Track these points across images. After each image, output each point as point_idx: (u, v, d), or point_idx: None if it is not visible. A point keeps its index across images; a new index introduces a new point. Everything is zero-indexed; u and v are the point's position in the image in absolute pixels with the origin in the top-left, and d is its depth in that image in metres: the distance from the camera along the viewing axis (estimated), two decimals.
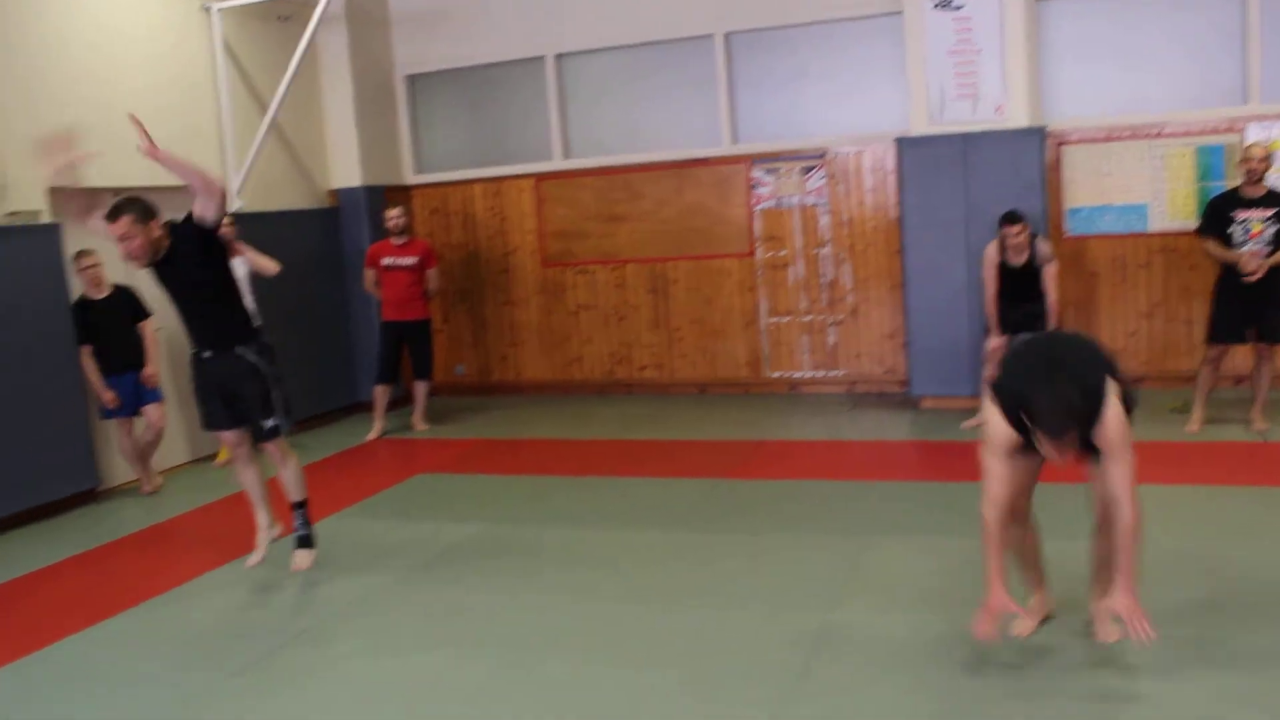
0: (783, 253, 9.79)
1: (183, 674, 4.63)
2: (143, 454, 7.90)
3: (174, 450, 8.53)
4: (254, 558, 5.67)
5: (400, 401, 9.71)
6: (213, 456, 8.76)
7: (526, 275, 10.52)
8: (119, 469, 8.08)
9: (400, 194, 10.56)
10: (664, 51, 9.97)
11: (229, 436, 5.55)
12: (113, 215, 5.08)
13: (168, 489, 7.95)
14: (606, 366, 10.40)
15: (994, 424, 3.89)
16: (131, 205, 5.11)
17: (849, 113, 9.55)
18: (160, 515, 7.22)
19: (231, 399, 5.44)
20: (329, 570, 5.76)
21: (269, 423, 5.43)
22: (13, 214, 7.23)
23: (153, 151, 4.90)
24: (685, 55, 9.93)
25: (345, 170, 10.27)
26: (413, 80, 10.78)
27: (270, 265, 8.53)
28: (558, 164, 10.33)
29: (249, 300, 8.44)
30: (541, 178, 10.36)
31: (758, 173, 9.75)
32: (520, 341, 10.66)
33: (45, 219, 7.48)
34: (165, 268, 5.26)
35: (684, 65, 9.96)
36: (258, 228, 8.88)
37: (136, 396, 7.73)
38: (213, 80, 9.01)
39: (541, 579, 5.47)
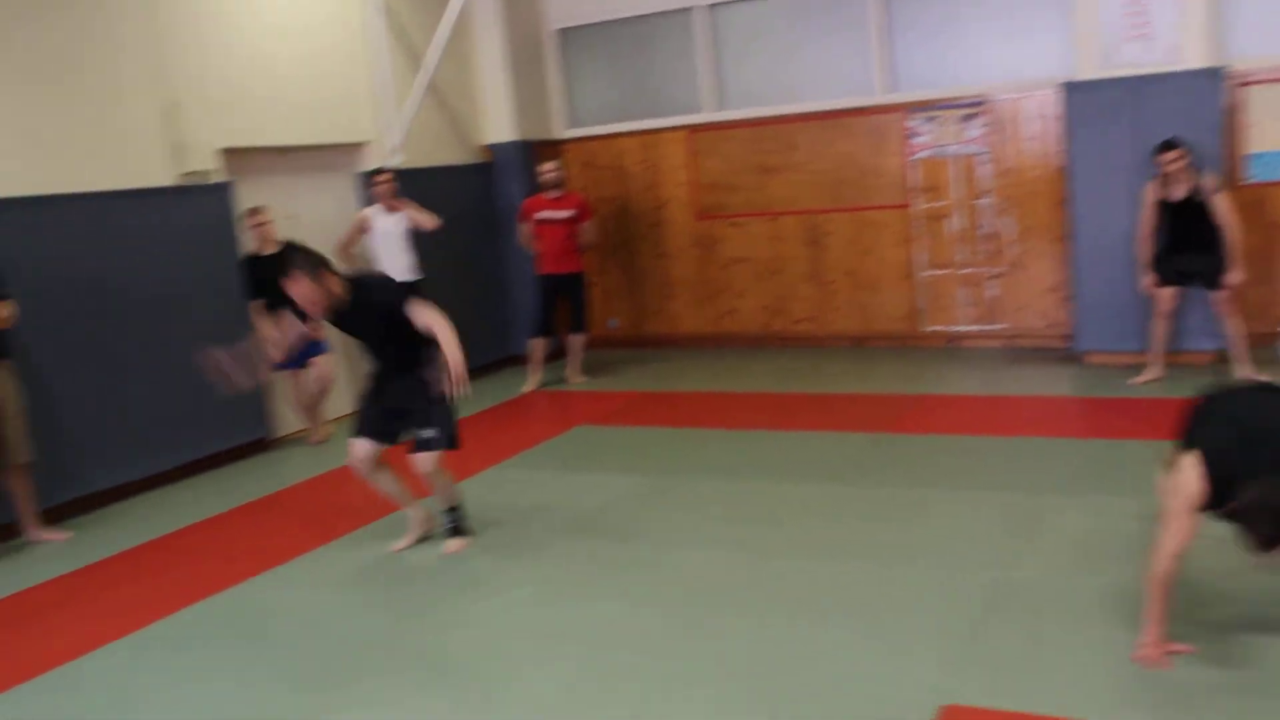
0: (940, 204, 9.55)
1: (356, 618, 4.79)
2: (310, 404, 8.16)
3: (340, 400, 8.77)
4: (399, 544, 5.69)
5: (555, 355, 9.81)
6: None
7: (679, 228, 10.50)
8: (288, 419, 8.36)
9: (552, 149, 10.62)
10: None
11: (362, 446, 5.43)
12: (285, 274, 5.08)
13: (334, 438, 8.19)
14: (761, 319, 10.33)
15: (1191, 482, 3.59)
16: (299, 262, 5.09)
17: (1009, 57, 9.21)
18: (326, 465, 7.44)
19: (394, 413, 5.40)
20: (493, 519, 5.87)
21: (427, 433, 5.31)
22: (188, 174, 7.49)
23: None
24: (838, 1, 9.71)
25: (499, 125, 10.36)
26: (564, 34, 10.79)
27: (429, 220, 8.68)
28: (710, 115, 10.25)
29: (407, 256, 8.62)
30: (693, 130, 10.29)
31: (914, 121, 9.50)
32: (673, 294, 10.66)
33: (220, 177, 7.73)
34: (345, 318, 5.31)
35: (837, 11, 9.73)
36: (415, 183, 9.04)
37: (304, 349, 7.97)
38: (370, 38, 9.16)
39: (705, 532, 5.48)
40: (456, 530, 5.62)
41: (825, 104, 9.79)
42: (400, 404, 5.38)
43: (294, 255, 5.13)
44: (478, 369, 9.90)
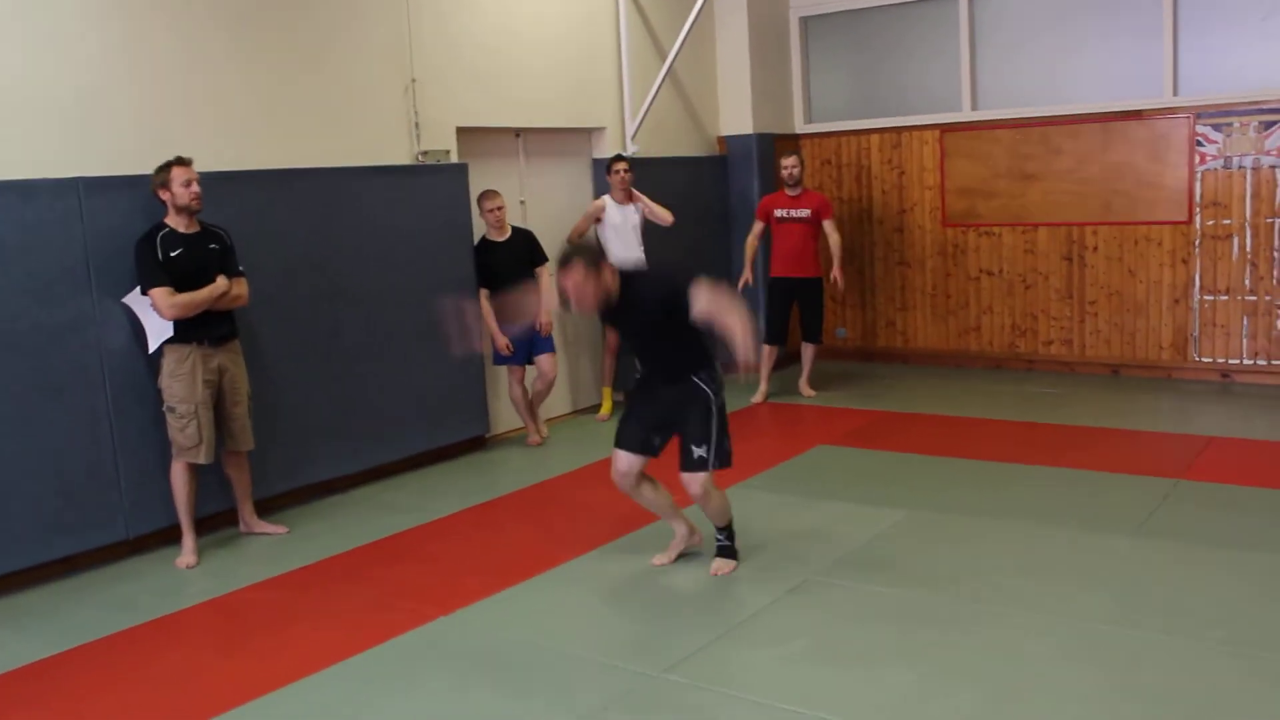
0: (1226, 221, 8.52)
1: (614, 654, 4.21)
2: (532, 404, 7.69)
3: (556, 400, 8.30)
4: (660, 557, 5.19)
5: (779, 363, 9.13)
6: (595, 408, 8.49)
7: (924, 235, 9.70)
8: (504, 416, 7.91)
9: (789, 143, 9.94)
10: None
11: (626, 460, 4.91)
12: (563, 264, 4.63)
13: (552, 441, 7.71)
14: (1007, 339, 9.45)
15: None
16: (581, 253, 4.66)
17: None
18: (548, 471, 6.94)
19: (662, 424, 4.88)
20: (754, 543, 5.25)
21: (698, 451, 4.78)
22: (425, 153, 7.08)
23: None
24: None
25: (735, 117, 9.74)
26: (807, 23, 10.11)
27: (666, 215, 8.13)
28: (965, 115, 9.42)
29: (638, 250, 8.09)
30: (946, 129, 9.48)
31: (1204, 128, 8.50)
32: (911, 306, 9.87)
33: (455, 158, 7.31)
34: (615, 314, 4.82)
35: (1116, 4, 8.80)
36: (648, 173, 8.48)
37: (530, 345, 7.51)
38: (614, 24, 8.64)
39: (999, 585, 4.71)
40: (726, 551, 5.06)
41: (1099, 106, 8.86)
42: (669, 416, 4.83)
43: (574, 248, 4.72)
44: None
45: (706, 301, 4.48)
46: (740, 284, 8.44)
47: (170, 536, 5.78)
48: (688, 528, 5.17)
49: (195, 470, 5.65)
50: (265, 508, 6.19)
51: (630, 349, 4.99)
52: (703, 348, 4.78)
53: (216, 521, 6.05)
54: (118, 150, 5.64)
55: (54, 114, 5.43)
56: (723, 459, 4.83)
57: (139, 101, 5.75)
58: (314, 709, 3.96)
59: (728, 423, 4.87)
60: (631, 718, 3.75)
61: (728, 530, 5.06)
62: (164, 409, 5.58)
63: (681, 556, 5.18)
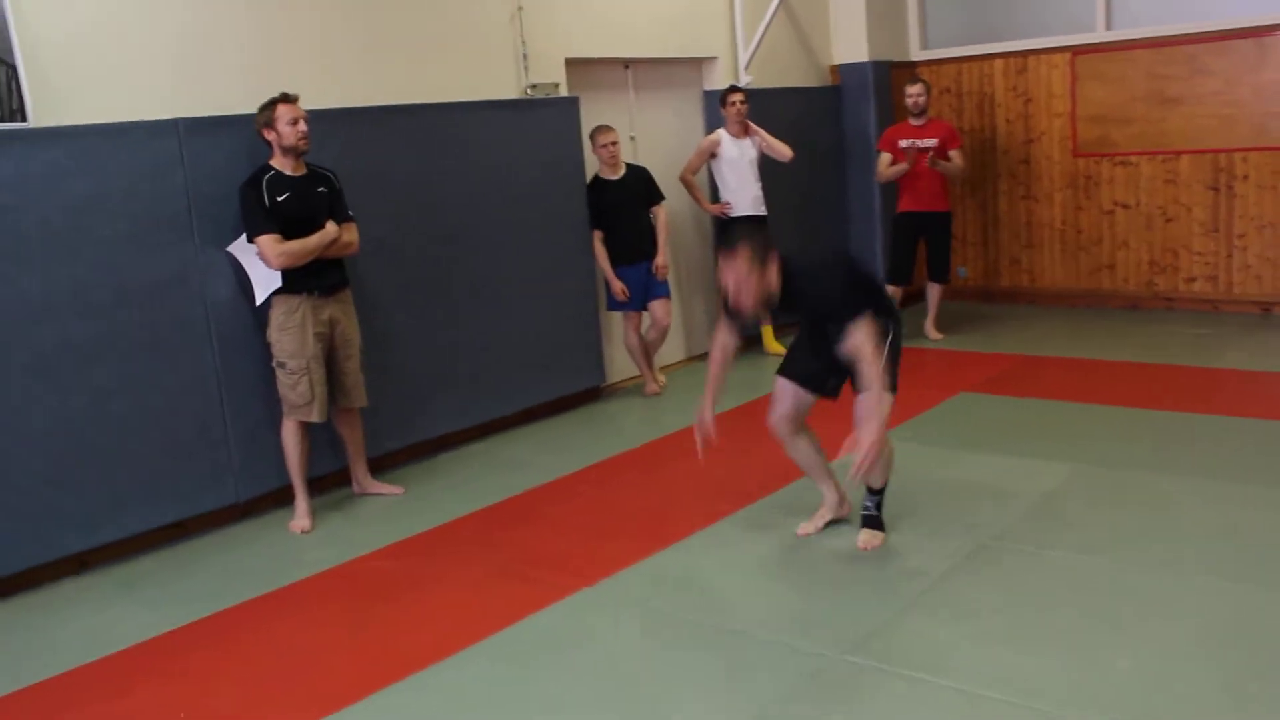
0: None
1: (785, 644, 3.79)
2: (648, 352, 7.27)
3: (671, 347, 7.87)
4: (806, 526, 4.71)
5: (901, 302, 8.59)
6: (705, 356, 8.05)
7: (1052, 166, 9.07)
8: (619, 365, 7.51)
9: (908, 71, 9.33)
10: None
11: (794, 396, 4.41)
12: (728, 252, 4.10)
13: (670, 390, 7.29)
14: (1145, 276, 8.82)
15: None
16: (749, 244, 4.10)
17: None
18: (668, 424, 6.50)
19: (830, 368, 4.35)
20: (911, 505, 4.79)
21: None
22: (533, 86, 6.63)
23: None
24: None
25: (849, 44, 9.14)
26: None
27: (785, 150, 7.62)
28: (1099, 35, 8.73)
29: (756, 186, 7.60)
30: (1078, 51, 8.80)
31: None
32: (1038, 243, 9.26)
33: (564, 91, 6.85)
34: (773, 308, 4.30)
35: None
36: (761, 105, 7.92)
37: (645, 290, 7.08)
38: None
39: (1202, 550, 4.21)
40: (873, 521, 4.55)
41: (1250, 20, 8.13)
42: (836, 361, 4.29)
43: (743, 235, 4.16)
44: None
45: (858, 352, 4.03)
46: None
47: (282, 499, 5.46)
48: (839, 495, 4.70)
49: (307, 429, 5.31)
50: (376, 465, 5.85)
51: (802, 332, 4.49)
52: (868, 300, 4.21)
53: (327, 482, 5.73)
54: (221, 88, 5.27)
55: (154, 53, 5.07)
56: (893, 386, 4.29)
57: (240, 39, 5.36)
58: (467, 692, 3.59)
59: (900, 356, 4.35)
60: (822, 710, 3.33)
61: (880, 495, 4.56)
62: (273, 364, 5.23)
63: (829, 525, 4.73)
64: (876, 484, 4.53)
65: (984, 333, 8.35)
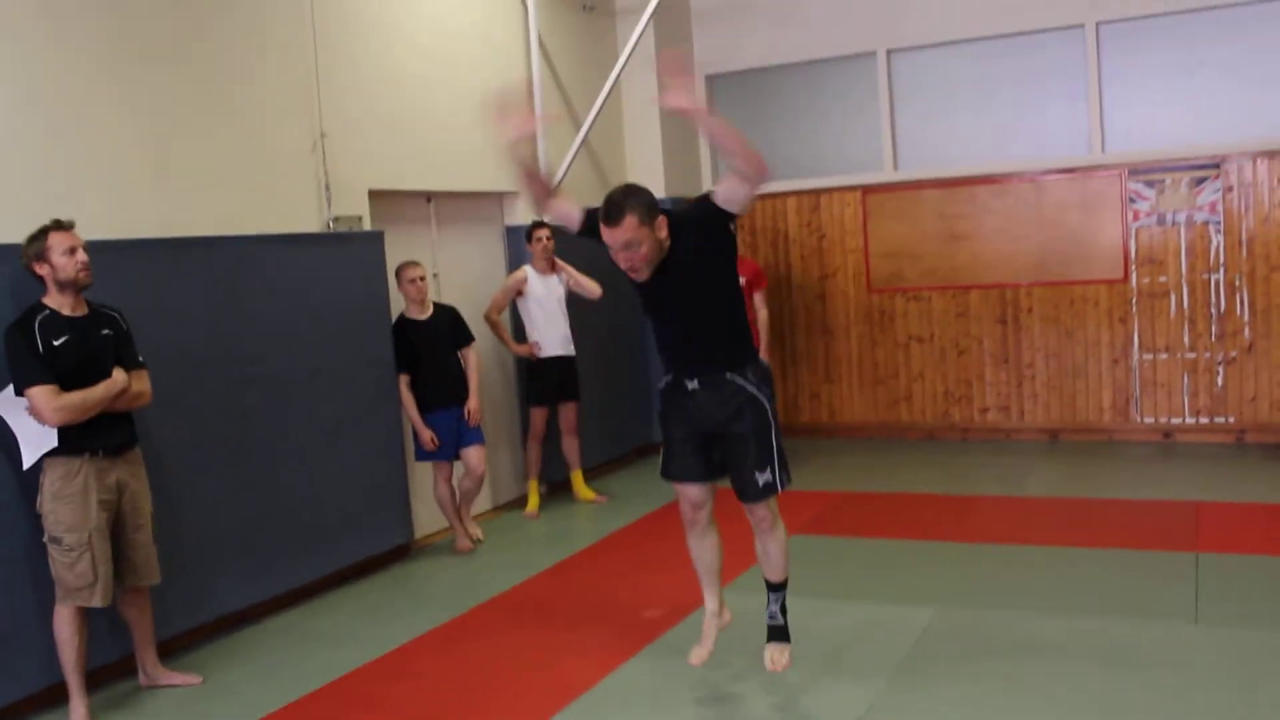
0: (1163, 279, 8.24)
1: None
2: (460, 504, 6.72)
3: (488, 497, 7.36)
4: (699, 653, 4.29)
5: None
6: (521, 503, 7.54)
7: (847, 301, 9.14)
8: (427, 519, 6.90)
9: None
10: (1018, 45, 8.55)
11: (694, 492, 4.12)
12: (613, 216, 3.77)
13: (483, 547, 6.72)
14: (940, 407, 8.94)
15: None
16: (634, 200, 3.78)
17: (1250, 113, 7.99)
18: (494, 583, 5.94)
19: (712, 440, 4.05)
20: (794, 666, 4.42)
21: (763, 477, 3.98)
22: (336, 219, 6.11)
23: (690, 108, 3.61)
24: (1044, 49, 8.50)
25: (647, 181, 8.88)
26: (712, 81, 9.53)
27: (593, 287, 7.32)
28: (888, 175, 8.95)
29: (564, 325, 7.28)
30: (869, 190, 8.99)
31: (1136, 185, 8.23)
32: (836, 377, 9.27)
33: (367, 225, 6.36)
34: (657, 277, 3.93)
35: (1043, 60, 8.52)
36: (569, 241, 7.54)
37: (457, 436, 6.56)
38: (528, 76, 7.85)
39: (1103, 694, 4.02)
40: (780, 632, 4.24)
41: (1028, 164, 8.51)
42: (715, 426, 4.00)
43: (624, 195, 3.81)
44: (616, 459, 8.51)
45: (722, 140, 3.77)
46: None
47: (52, 699, 4.59)
48: (719, 602, 4.34)
49: (86, 615, 4.49)
50: (167, 649, 5.03)
51: (666, 336, 4.06)
52: (747, 333, 4.05)
53: (108, 673, 4.87)
54: None
55: None
56: (788, 477, 4.07)
57: (5, 158, 4.65)
58: None
59: (781, 436, 4.08)
60: None
61: (782, 591, 4.23)
62: (45, 540, 4.42)
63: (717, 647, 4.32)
64: (776, 577, 4.22)
65: (795, 470, 8.16)
